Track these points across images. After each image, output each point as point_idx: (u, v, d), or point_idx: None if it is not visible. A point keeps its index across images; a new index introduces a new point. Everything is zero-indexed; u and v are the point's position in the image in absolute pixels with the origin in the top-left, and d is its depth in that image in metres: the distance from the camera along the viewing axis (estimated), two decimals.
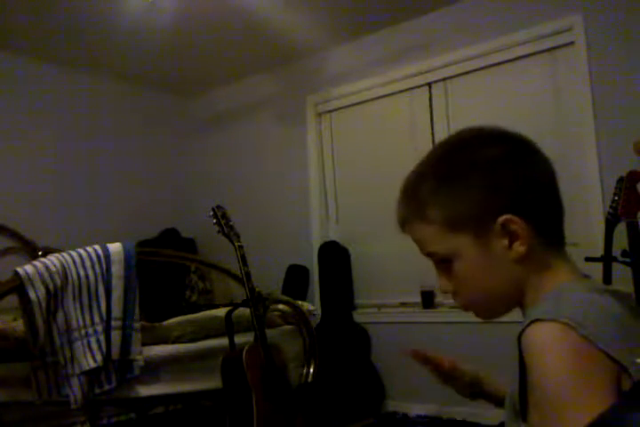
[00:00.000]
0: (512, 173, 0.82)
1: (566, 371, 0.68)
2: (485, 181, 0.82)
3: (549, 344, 0.71)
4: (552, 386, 0.69)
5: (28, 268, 2.01)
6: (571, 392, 0.67)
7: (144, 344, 2.23)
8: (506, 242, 0.81)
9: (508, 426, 0.81)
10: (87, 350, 2.07)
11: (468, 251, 0.83)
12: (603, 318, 0.73)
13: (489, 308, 0.89)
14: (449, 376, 1.14)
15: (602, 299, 0.76)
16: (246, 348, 2.24)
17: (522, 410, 0.76)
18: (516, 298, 0.85)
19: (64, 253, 2.16)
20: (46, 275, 2.02)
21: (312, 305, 3.17)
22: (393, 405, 3.52)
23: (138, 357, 2.16)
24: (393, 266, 3.65)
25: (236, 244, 2.46)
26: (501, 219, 0.81)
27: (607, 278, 2.18)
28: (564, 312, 0.72)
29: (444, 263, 0.87)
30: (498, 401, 1.09)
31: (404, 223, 0.90)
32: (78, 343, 2.07)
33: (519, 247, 0.81)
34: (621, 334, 0.72)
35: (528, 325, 0.73)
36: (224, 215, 2.52)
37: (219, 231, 2.48)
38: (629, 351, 0.69)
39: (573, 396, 0.67)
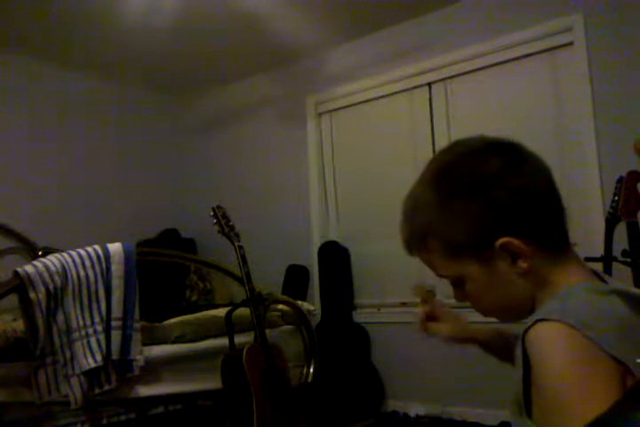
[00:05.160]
0: (503, 193, 0.81)
1: (570, 371, 0.69)
2: (478, 207, 0.82)
3: (554, 344, 0.71)
4: (556, 386, 0.69)
5: (28, 268, 2.01)
6: (574, 392, 0.67)
7: (144, 344, 2.23)
8: (509, 260, 0.82)
9: (514, 422, 0.81)
10: (87, 349, 2.07)
11: (474, 273, 0.85)
12: (607, 319, 0.73)
13: (507, 315, 0.91)
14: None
15: (607, 300, 0.76)
16: (246, 348, 2.24)
17: (526, 407, 0.76)
18: (531, 305, 0.85)
19: (64, 253, 2.16)
20: (46, 275, 2.02)
21: (312, 305, 3.17)
22: (393, 405, 3.52)
23: (138, 357, 2.16)
24: (393, 266, 3.65)
25: (236, 244, 2.46)
26: (499, 243, 0.81)
27: None
28: (569, 313, 0.72)
29: (456, 283, 0.89)
30: (491, 348, 1.08)
31: (410, 249, 0.92)
32: (78, 343, 2.07)
33: (522, 264, 0.82)
34: (626, 335, 0.72)
35: (533, 324, 0.73)
36: (224, 215, 2.52)
37: (219, 231, 2.48)
38: (633, 352, 0.70)
39: (577, 395, 0.67)
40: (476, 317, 0.97)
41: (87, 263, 2.15)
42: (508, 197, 0.81)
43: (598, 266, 2.26)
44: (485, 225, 0.82)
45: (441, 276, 0.90)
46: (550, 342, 0.71)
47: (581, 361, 0.69)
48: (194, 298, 3.91)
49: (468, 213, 0.83)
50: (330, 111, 4.09)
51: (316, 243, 3.97)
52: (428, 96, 3.64)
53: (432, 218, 0.85)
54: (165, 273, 3.74)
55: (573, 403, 0.67)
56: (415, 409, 3.41)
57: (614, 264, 2.18)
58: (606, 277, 0.88)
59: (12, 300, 2.05)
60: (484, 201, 0.82)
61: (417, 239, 0.88)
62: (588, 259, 2.23)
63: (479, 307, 0.90)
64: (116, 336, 2.13)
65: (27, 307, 1.99)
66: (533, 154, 0.86)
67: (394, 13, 3.56)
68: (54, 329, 2.04)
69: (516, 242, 0.80)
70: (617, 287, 0.80)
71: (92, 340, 2.08)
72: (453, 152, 0.89)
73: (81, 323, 2.08)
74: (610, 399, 0.64)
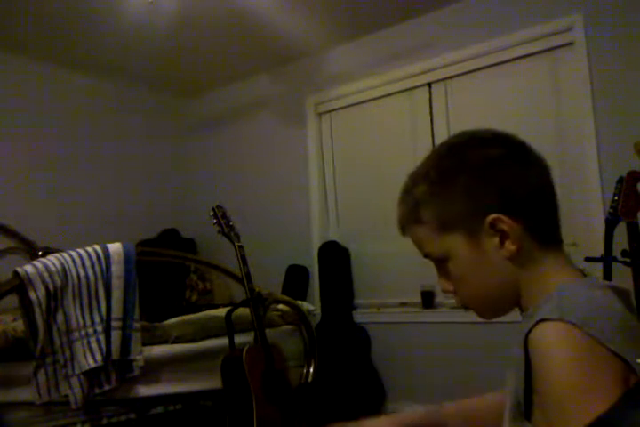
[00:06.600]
0: (501, 175, 0.84)
1: (574, 371, 0.69)
2: (474, 183, 0.84)
3: (557, 344, 0.71)
4: (559, 386, 0.69)
5: (28, 268, 2.01)
6: (578, 392, 0.67)
7: (144, 344, 2.23)
8: (497, 241, 0.82)
9: (510, 426, 0.81)
10: (87, 350, 2.07)
11: (461, 250, 0.85)
12: (606, 315, 0.73)
13: (488, 307, 0.90)
14: None
15: (604, 296, 0.76)
16: (246, 348, 2.24)
17: (526, 410, 0.76)
18: (514, 297, 0.85)
19: (64, 253, 2.16)
20: (46, 275, 2.02)
21: (312, 305, 3.17)
22: (393, 405, 3.52)
23: (138, 357, 2.16)
24: (393, 266, 3.65)
25: (236, 244, 2.46)
26: (489, 218, 0.82)
27: (607, 278, 2.18)
28: (569, 311, 0.72)
29: (441, 263, 0.89)
30: None
31: (403, 226, 0.92)
32: (78, 343, 2.07)
33: (510, 246, 0.82)
34: (625, 332, 0.72)
35: (534, 325, 0.73)
36: (224, 215, 2.52)
37: (219, 231, 2.48)
38: (633, 349, 0.70)
39: (581, 396, 0.67)
40: (474, 317, 0.97)
41: (87, 263, 2.15)
42: (509, 177, 0.83)
43: (598, 266, 2.26)
44: (480, 200, 0.83)
45: (427, 255, 0.90)
46: (553, 342, 0.71)
47: (584, 361, 0.69)
48: (194, 298, 3.91)
49: (465, 186, 0.84)
50: (330, 111, 4.09)
51: (316, 243, 3.96)
52: (428, 96, 3.64)
53: (430, 189, 0.87)
54: (165, 273, 3.74)
55: (577, 403, 0.66)
56: (415, 409, 3.41)
57: (614, 264, 2.19)
58: (593, 276, 0.88)
59: (12, 300, 2.05)
60: (485, 178, 0.84)
61: (411, 210, 0.89)
62: (588, 259, 2.24)
63: (461, 291, 0.89)
64: (115, 336, 2.13)
65: (27, 307, 1.99)
66: (538, 152, 0.88)
67: (394, 13, 3.56)
68: (54, 329, 2.04)
69: (506, 220, 0.81)
70: (608, 284, 0.81)
71: (92, 340, 2.08)
72: (460, 138, 0.92)
73: (81, 323, 2.08)
74: (614, 398, 0.64)
